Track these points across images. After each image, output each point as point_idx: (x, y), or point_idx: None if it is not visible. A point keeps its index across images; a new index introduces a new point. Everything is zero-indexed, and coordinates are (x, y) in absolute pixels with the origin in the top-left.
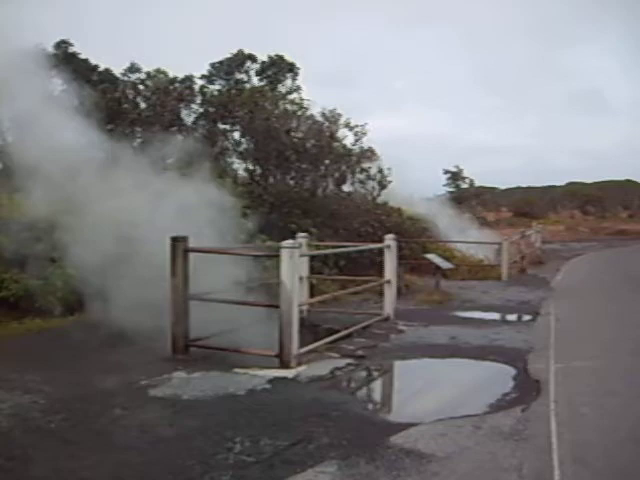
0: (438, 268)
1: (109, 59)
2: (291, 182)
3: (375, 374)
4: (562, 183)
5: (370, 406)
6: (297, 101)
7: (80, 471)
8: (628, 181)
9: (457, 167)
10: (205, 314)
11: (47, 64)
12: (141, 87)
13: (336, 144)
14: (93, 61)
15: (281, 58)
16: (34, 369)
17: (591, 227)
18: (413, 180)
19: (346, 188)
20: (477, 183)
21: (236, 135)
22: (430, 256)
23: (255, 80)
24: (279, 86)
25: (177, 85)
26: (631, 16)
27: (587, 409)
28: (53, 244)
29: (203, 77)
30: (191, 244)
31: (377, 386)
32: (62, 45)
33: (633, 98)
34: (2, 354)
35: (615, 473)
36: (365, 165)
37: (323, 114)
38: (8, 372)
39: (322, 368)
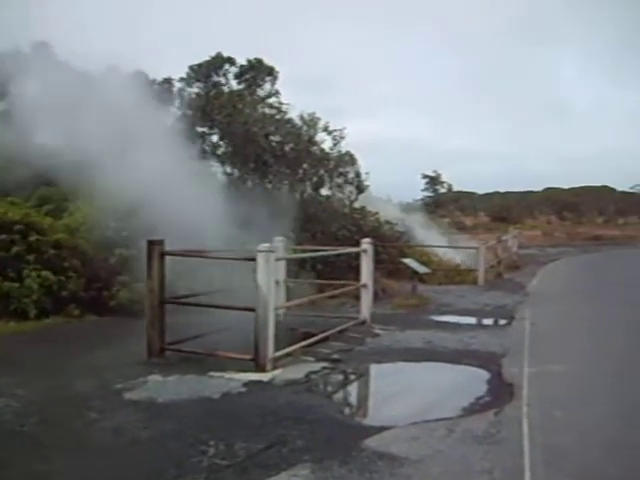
0: (415, 272)
1: (87, 61)
2: (269, 186)
3: (350, 378)
4: (540, 189)
5: (345, 409)
6: (276, 105)
7: (53, 475)
8: (604, 187)
9: (435, 172)
10: (182, 317)
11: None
12: (120, 88)
13: (314, 148)
14: (72, 63)
15: (260, 62)
16: (8, 372)
17: (567, 232)
18: (391, 184)
19: (324, 192)
20: (455, 188)
21: (214, 138)
22: (407, 260)
23: (234, 83)
24: (258, 90)
25: (155, 87)
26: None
27: (559, 413)
28: (29, 246)
29: (181, 80)
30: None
31: (352, 390)
32: (39, 46)
33: (609, 106)
34: None
35: (585, 476)
36: (343, 169)
37: (302, 118)
38: None
39: (297, 372)
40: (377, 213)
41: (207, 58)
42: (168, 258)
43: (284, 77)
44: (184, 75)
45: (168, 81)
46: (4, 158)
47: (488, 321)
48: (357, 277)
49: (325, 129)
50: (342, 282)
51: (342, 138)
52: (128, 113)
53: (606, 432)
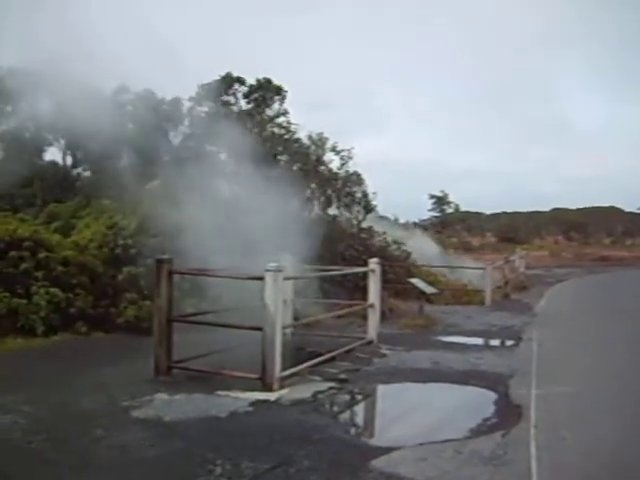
0: (422, 292)
1: (98, 79)
2: (276, 205)
3: (357, 398)
4: (547, 209)
5: (352, 430)
6: (284, 125)
7: None
8: (612, 208)
9: (442, 192)
10: (188, 335)
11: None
12: (129, 108)
13: (322, 168)
14: (83, 81)
15: (269, 81)
16: (15, 389)
17: (574, 253)
18: (398, 204)
19: (331, 212)
20: (462, 208)
21: (222, 157)
22: (414, 280)
23: (243, 103)
24: (266, 109)
25: (165, 106)
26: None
27: (566, 434)
28: (37, 263)
29: (191, 99)
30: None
31: (359, 410)
32: (52, 64)
33: (617, 126)
34: None
35: None
36: (350, 189)
37: (310, 138)
38: None
39: (304, 391)
40: (384, 233)
41: (217, 78)
42: (176, 276)
43: (292, 96)
44: (194, 94)
45: (177, 100)
46: (15, 175)
47: (495, 342)
48: (364, 297)
49: (333, 149)
50: (349, 302)
51: (350, 158)
52: (138, 131)
53: (613, 453)
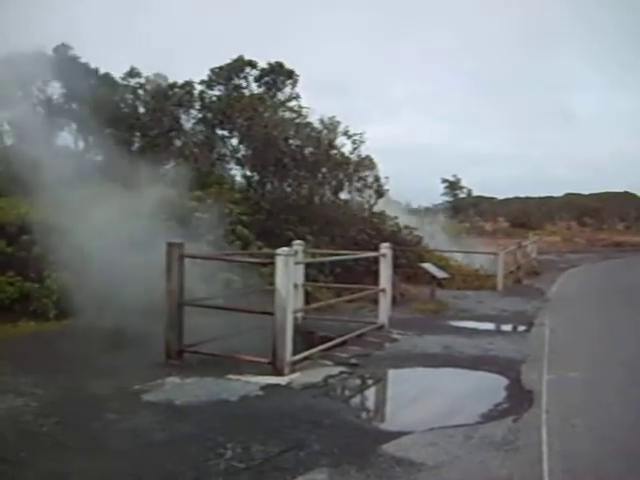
0: (433, 277)
1: (109, 63)
2: (288, 189)
3: (368, 382)
4: (560, 194)
5: (362, 414)
6: (296, 109)
7: (71, 475)
8: (625, 193)
9: (455, 176)
10: (199, 319)
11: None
12: (140, 92)
13: (334, 152)
14: (92, 65)
15: (280, 65)
16: (27, 372)
17: (588, 238)
18: (410, 188)
19: (343, 196)
20: (475, 193)
21: (234, 141)
22: (425, 265)
23: (254, 86)
24: (278, 93)
25: (176, 90)
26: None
27: (578, 420)
28: (49, 247)
29: (202, 82)
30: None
31: (370, 394)
32: (61, 48)
33: (630, 111)
34: None
35: None
36: (362, 173)
37: (322, 122)
38: (1, 375)
39: (315, 375)
40: (396, 217)
41: (228, 61)
42: (187, 260)
43: (304, 80)
44: (205, 78)
45: (189, 84)
46: (26, 159)
47: (507, 327)
48: (375, 281)
49: (345, 133)
50: (361, 286)
51: (362, 142)
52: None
53: (625, 440)
